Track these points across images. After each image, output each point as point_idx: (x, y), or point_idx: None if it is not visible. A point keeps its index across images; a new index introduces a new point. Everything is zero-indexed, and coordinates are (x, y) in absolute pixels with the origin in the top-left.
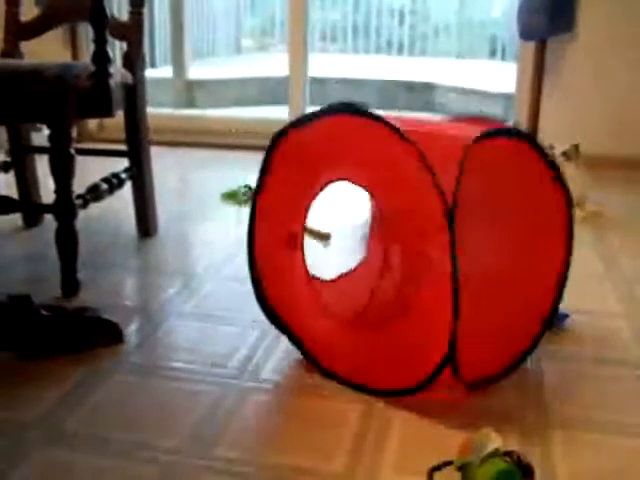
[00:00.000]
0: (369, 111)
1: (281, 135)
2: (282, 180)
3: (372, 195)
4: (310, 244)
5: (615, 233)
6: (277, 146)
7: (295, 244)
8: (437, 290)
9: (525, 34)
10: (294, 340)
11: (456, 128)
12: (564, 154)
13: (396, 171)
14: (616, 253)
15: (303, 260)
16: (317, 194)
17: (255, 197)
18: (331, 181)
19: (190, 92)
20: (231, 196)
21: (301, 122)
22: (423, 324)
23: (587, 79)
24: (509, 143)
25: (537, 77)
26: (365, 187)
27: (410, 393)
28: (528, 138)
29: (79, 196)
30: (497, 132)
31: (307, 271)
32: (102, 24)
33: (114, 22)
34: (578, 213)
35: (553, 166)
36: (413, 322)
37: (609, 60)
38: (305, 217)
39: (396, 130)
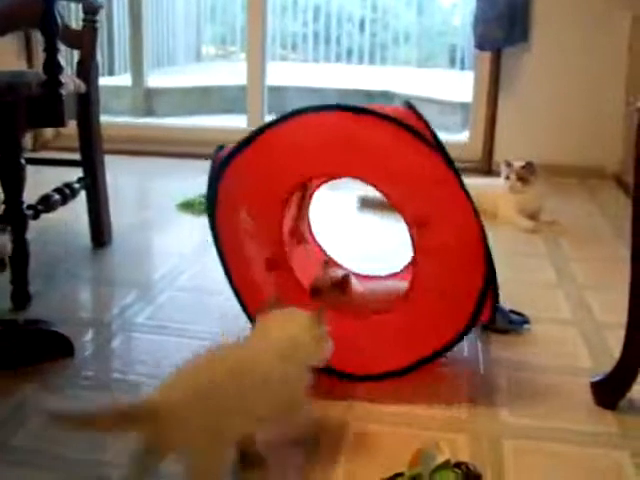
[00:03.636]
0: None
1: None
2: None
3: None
4: None
5: (568, 241)
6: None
7: (275, 266)
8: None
9: (481, 44)
10: None
11: None
12: (522, 179)
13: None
14: (569, 261)
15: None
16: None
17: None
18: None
19: (149, 100)
20: (188, 206)
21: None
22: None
23: (541, 88)
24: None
25: (493, 86)
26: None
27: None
28: None
29: (30, 206)
30: None
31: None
32: (53, 32)
33: (67, 30)
34: (528, 224)
35: None
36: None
37: (562, 69)
38: (280, 237)
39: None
